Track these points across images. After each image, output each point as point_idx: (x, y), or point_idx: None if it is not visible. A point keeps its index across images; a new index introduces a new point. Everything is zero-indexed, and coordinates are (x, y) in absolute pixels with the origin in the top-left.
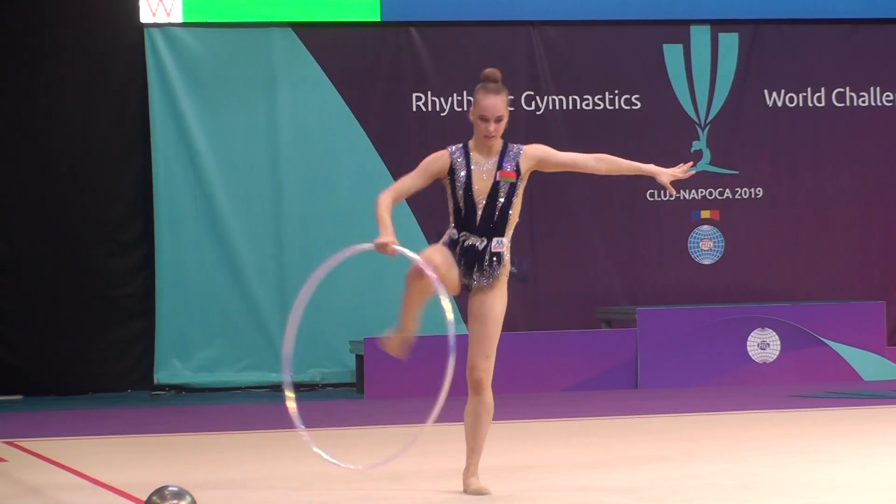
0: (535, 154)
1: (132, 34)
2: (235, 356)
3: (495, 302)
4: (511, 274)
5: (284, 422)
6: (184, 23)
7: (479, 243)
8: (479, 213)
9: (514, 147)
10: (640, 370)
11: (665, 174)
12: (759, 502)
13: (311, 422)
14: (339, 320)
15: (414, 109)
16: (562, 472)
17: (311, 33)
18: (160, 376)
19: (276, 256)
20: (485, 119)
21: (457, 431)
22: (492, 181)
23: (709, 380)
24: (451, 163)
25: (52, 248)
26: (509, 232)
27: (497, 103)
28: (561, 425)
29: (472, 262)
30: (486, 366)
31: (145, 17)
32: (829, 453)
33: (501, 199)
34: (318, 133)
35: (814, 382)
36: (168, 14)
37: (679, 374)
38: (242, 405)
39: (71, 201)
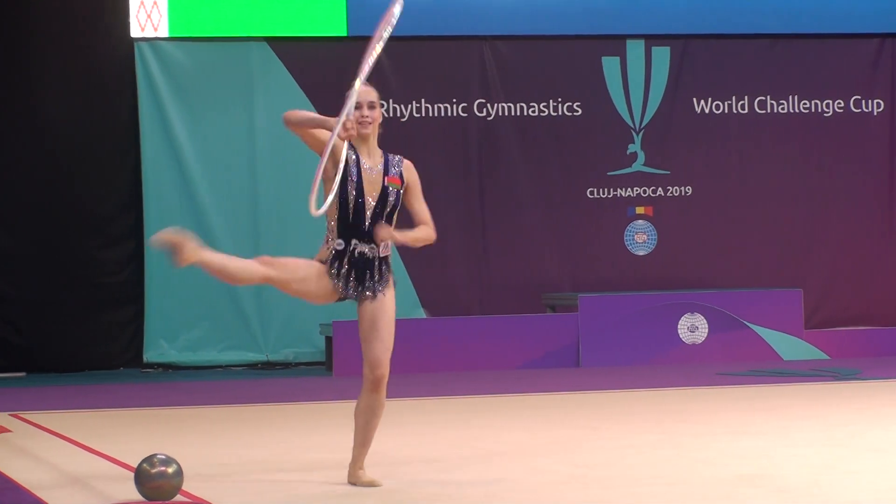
0: (409, 175)
1: (123, 47)
2: (217, 337)
3: (391, 303)
4: None
5: (260, 396)
6: (170, 37)
7: (370, 251)
8: (369, 216)
9: (395, 157)
10: (582, 351)
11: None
12: (690, 469)
13: (284, 396)
14: (309, 304)
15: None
16: (510, 441)
17: (284, 47)
18: (149, 356)
19: (253, 247)
20: (358, 106)
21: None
22: (381, 185)
23: (643, 360)
24: (347, 157)
25: (54, 241)
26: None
27: (368, 90)
28: (511, 400)
29: (363, 271)
30: (388, 362)
31: (135, 32)
32: (752, 425)
33: (390, 205)
34: (290, 136)
35: (738, 362)
36: (156, 29)
37: (617, 355)
38: (223, 381)
39: (70, 198)
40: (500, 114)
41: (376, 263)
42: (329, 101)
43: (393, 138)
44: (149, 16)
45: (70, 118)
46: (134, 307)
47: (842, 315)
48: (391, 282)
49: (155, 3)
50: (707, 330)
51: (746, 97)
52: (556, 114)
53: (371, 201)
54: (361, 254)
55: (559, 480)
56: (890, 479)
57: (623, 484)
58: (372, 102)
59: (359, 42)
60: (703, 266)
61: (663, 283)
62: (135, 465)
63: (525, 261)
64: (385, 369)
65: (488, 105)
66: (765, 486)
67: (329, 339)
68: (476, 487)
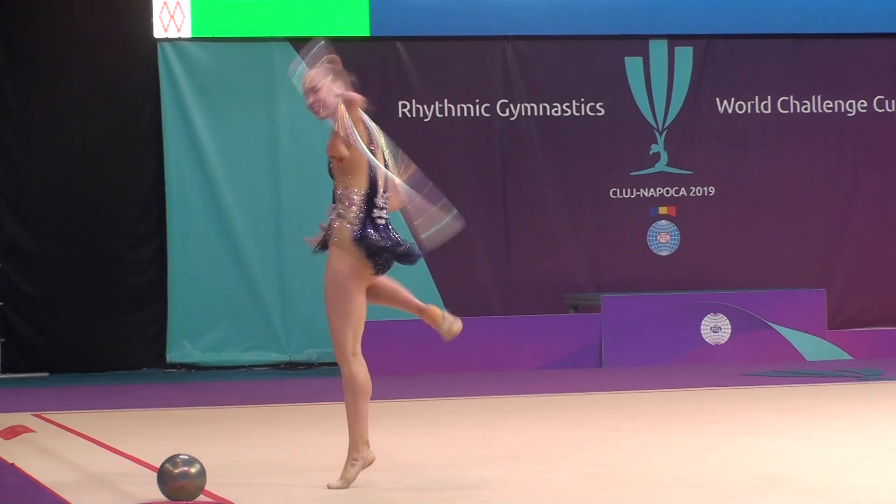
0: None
1: (146, 48)
2: (240, 337)
3: (328, 275)
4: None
5: (284, 396)
6: (193, 38)
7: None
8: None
9: None
10: (604, 351)
11: None
12: (711, 470)
13: (308, 397)
14: None
15: (400, 116)
16: (530, 442)
17: (307, 47)
18: (172, 356)
19: (275, 247)
20: (304, 95)
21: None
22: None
23: (666, 360)
24: None
25: (76, 242)
26: (338, 201)
27: (309, 74)
28: (532, 400)
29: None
30: (333, 339)
31: (158, 32)
32: (774, 426)
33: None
34: (312, 136)
35: (761, 362)
36: (179, 30)
37: (639, 355)
38: (246, 382)
39: (92, 199)
40: (523, 114)
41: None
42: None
43: (416, 139)
44: (172, 16)
45: (94, 120)
46: (157, 307)
47: (865, 315)
48: (332, 249)
49: (178, 3)
50: (730, 330)
51: (769, 97)
52: (578, 114)
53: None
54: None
55: (579, 481)
56: None
57: (644, 484)
58: (310, 89)
59: (381, 42)
60: (726, 266)
61: (686, 283)
62: (158, 465)
63: (547, 261)
64: (333, 347)
65: (511, 105)
66: (786, 486)
67: None
68: (495, 488)
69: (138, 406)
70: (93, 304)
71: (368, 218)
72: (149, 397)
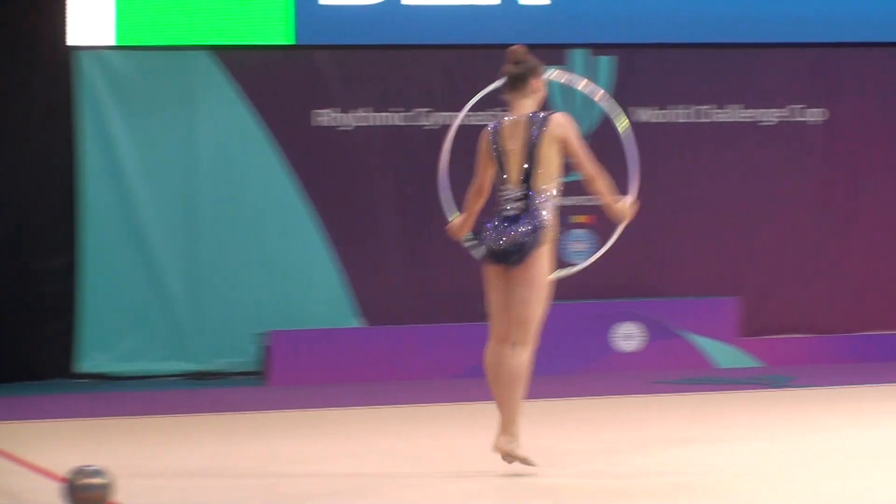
0: None
1: (58, 56)
2: (152, 347)
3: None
4: None
5: (193, 406)
6: (113, 46)
7: None
8: None
9: None
10: None
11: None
12: (624, 478)
13: (217, 407)
14: (245, 313)
15: (317, 125)
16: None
17: (230, 56)
18: (81, 366)
19: (190, 259)
20: None
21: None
22: None
23: (576, 368)
24: None
25: None
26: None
27: None
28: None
29: None
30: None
31: (73, 40)
32: (687, 434)
33: None
34: (231, 146)
35: (673, 370)
36: (97, 38)
37: (549, 364)
38: (156, 392)
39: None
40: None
41: None
42: (275, 110)
43: (335, 147)
44: (89, 23)
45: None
46: (66, 319)
47: (781, 323)
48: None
49: (97, 10)
50: (642, 338)
51: (688, 106)
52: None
53: None
54: None
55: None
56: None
57: (549, 493)
58: None
59: (305, 51)
60: (641, 274)
61: (600, 291)
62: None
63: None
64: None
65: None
66: (693, 493)
67: (265, 349)
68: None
69: (46, 417)
70: (1, 314)
71: None
72: (58, 408)
